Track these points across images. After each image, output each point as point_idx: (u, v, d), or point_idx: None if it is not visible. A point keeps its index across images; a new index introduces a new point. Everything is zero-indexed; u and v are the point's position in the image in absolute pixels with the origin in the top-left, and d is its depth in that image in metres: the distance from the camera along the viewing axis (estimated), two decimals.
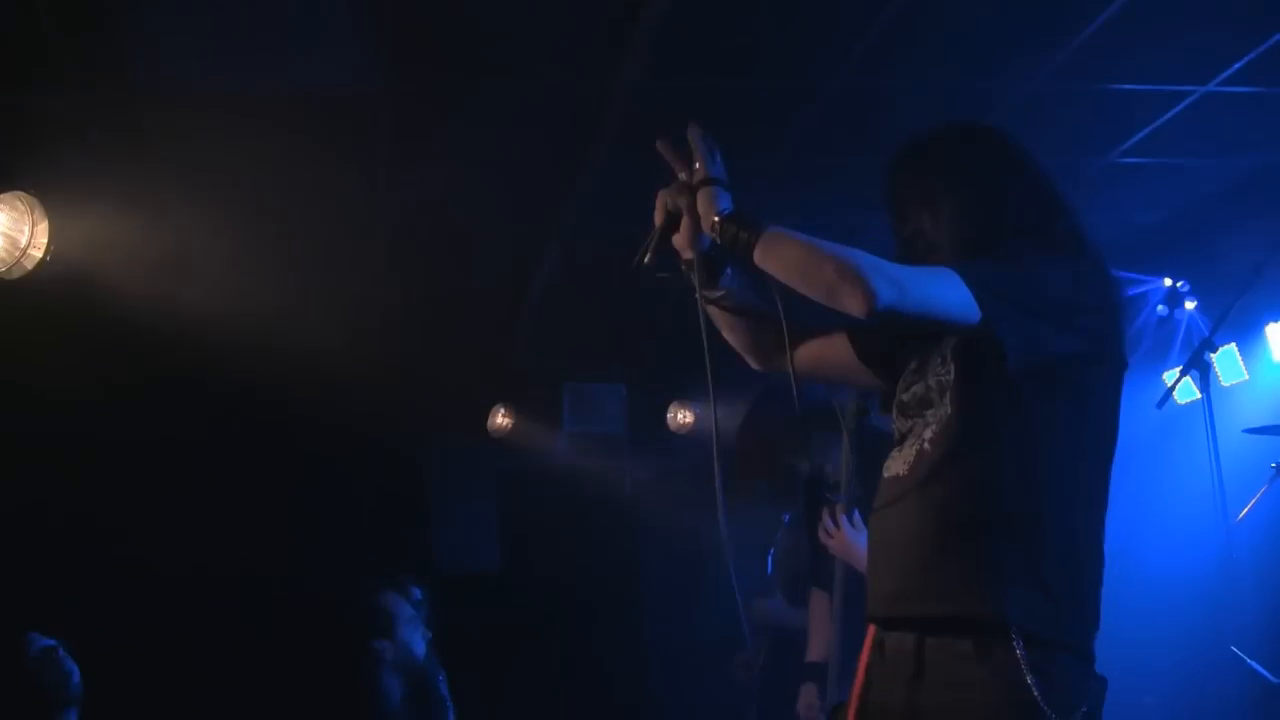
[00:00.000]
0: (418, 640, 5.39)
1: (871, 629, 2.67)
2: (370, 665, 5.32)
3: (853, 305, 2.30)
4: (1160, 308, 6.66)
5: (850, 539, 4.13)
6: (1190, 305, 6.53)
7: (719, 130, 4.98)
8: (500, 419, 8.95)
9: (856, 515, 4.16)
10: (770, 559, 6.07)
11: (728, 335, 2.85)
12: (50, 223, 4.67)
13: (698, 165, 2.60)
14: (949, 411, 2.55)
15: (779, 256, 2.44)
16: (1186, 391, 6.05)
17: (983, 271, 2.40)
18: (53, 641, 4.77)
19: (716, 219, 2.53)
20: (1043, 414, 2.50)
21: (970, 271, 2.39)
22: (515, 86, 4.80)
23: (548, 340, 8.24)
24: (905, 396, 2.69)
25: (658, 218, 2.67)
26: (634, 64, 4.57)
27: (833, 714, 2.77)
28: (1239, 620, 5.39)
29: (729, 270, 2.73)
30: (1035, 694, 2.38)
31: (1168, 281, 6.61)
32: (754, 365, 2.86)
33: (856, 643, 2.71)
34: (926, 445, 2.57)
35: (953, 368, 2.57)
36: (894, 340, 2.75)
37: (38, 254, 4.63)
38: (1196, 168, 6.03)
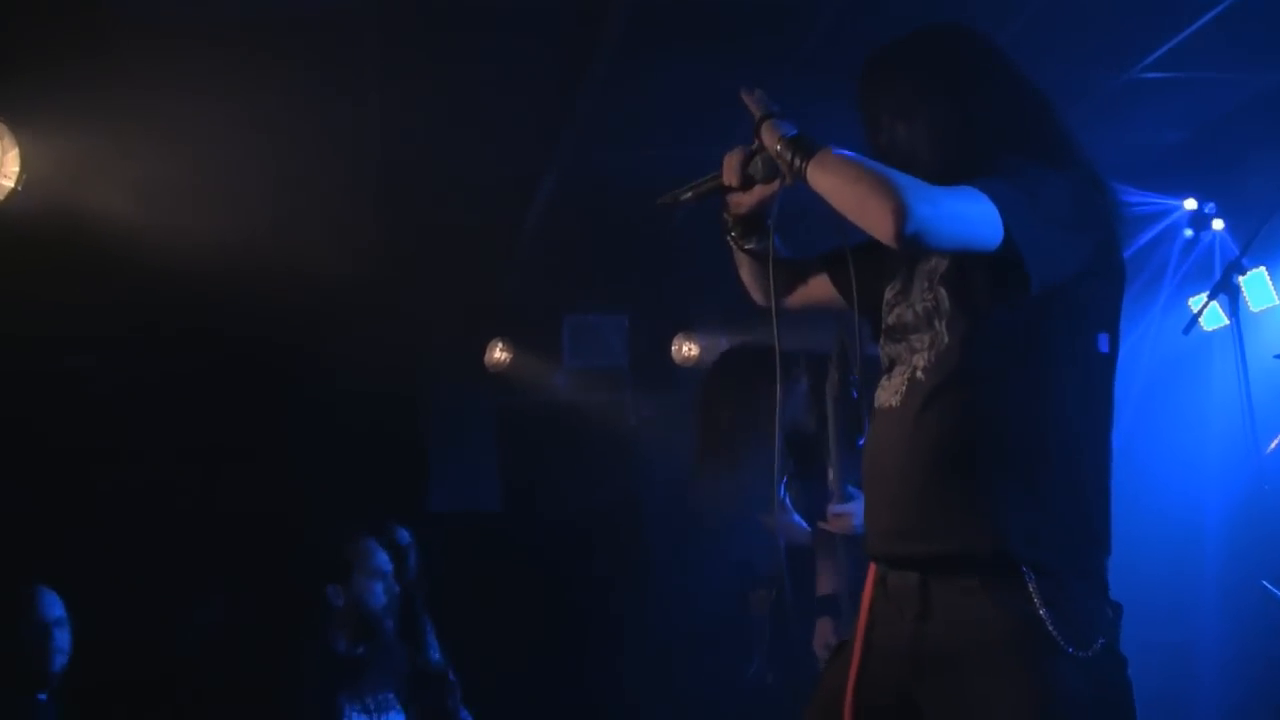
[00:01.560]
0: (377, 591, 5.39)
1: (872, 565, 2.70)
2: (318, 612, 5.37)
3: (881, 222, 2.32)
4: (1186, 231, 6.70)
5: (851, 517, 4.18)
6: (1218, 226, 6.54)
7: (728, 39, 4.92)
8: (498, 353, 8.93)
9: (850, 488, 4.20)
10: (783, 485, 6.13)
11: (745, 274, 2.97)
12: (21, 150, 4.63)
13: (755, 111, 2.68)
14: (945, 340, 2.56)
15: (824, 176, 2.48)
16: (1214, 317, 6.09)
17: (1000, 188, 2.40)
18: (59, 614, 4.82)
19: (780, 143, 2.58)
20: (1044, 335, 2.52)
21: (990, 188, 2.39)
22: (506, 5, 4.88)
23: (546, 271, 8.23)
24: (890, 320, 2.72)
25: (731, 178, 2.75)
26: None
27: (836, 651, 2.80)
28: (1270, 554, 5.40)
29: (775, 235, 2.85)
30: (1050, 628, 2.39)
31: (1192, 204, 6.63)
32: (757, 300, 2.96)
33: (864, 571, 2.73)
34: (920, 374, 2.59)
35: (944, 294, 2.59)
36: (869, 268, 2.78)
37: (8, 183, 4.60)
38: (1224, 83, 5.98)
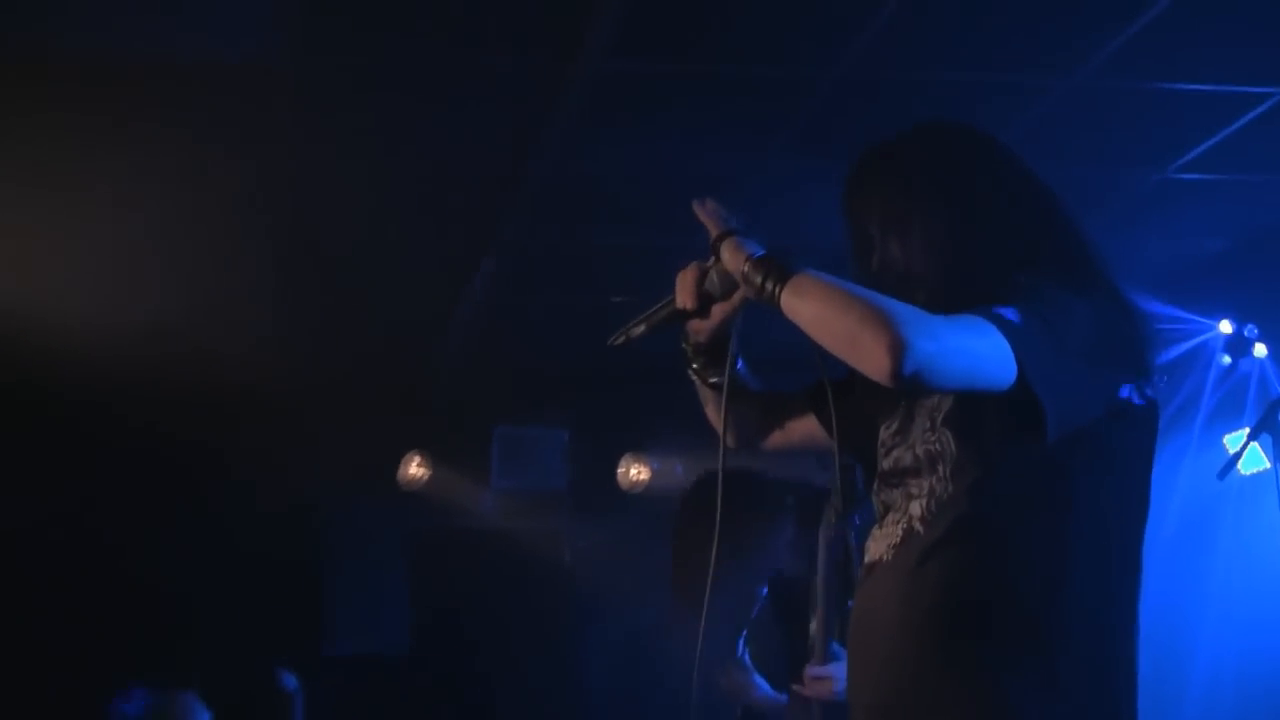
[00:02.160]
0: None
1: None
2: None
3: (876, 361, 2.27)
4: (1223, 357, 6.71)
5: (833, 682, 4.16)
6: (1260, 352, 6.55)
7: (695, 122, 4.90)
8: (414, 468, 8.88)
9: (835, 647, 4.19)
10: (742, 640, 6.13)
11: (711, 411, 2.95)
12: None
13: (712, 230, 2.66)
14: (947, 488, 2.55)
15: (803, 304, 2.44)
16: (1254, 459, 6.05)
17: (1011, 318, 2.38)
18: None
19: (746, 265, 2.54)
20: (1063, 486, 2.50)
21: (1000, 318, 2.37)
22: (451, 58, 4.83)
23: (476, 373, 8.22)
24: (886, 464, 2.71)
25: (685, 299, 2.73)
26: (599, 37, 4.63)
27: None
28: None
29: (739, 360, 2.85)
30: None
31: (1226, 327, 6.71)
32: (729, 443, 2.90)
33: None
34: (916, 525, 2.57)
35: (948, 437, 2.57)
36: (861, 403, 2.78)
37: None
38: (1270, 186, 6.09)
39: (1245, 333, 6.47)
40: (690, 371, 2.89)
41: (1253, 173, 5.91)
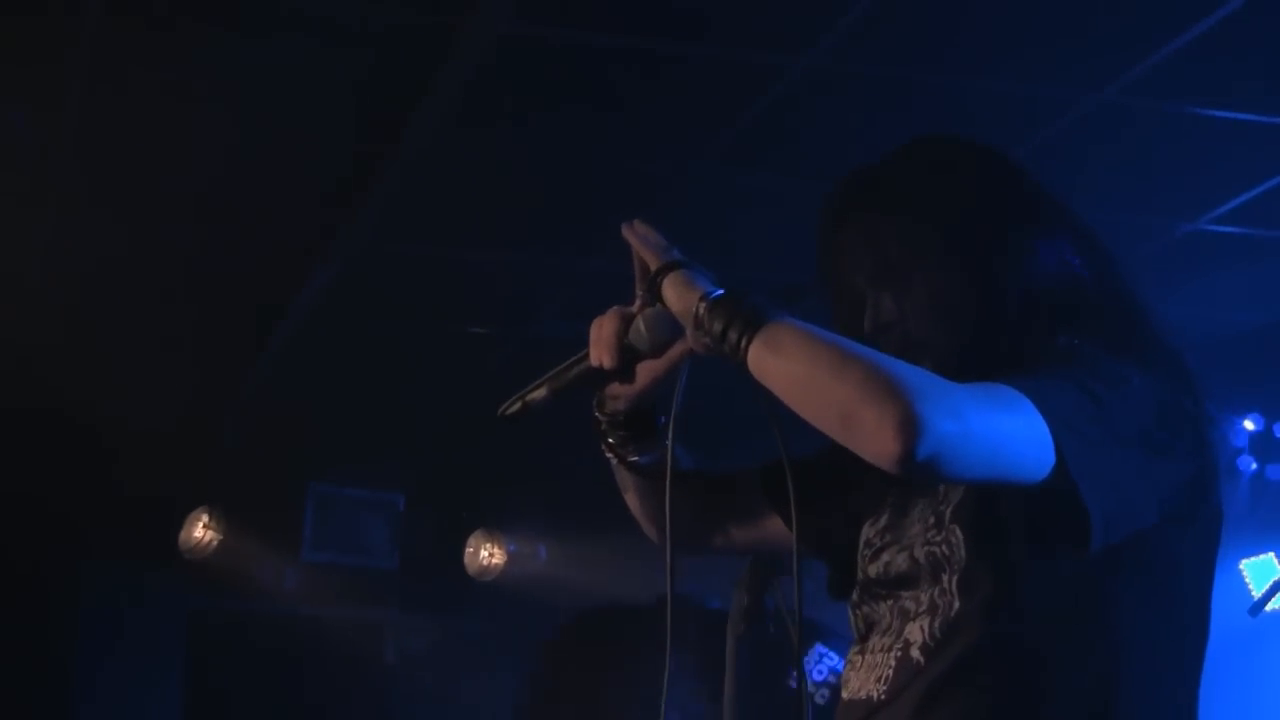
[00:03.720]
0: None
1: None
2: None
3: (879, 442, 2.20)
4: (1248, 460, 6.75)
5: None
6: None
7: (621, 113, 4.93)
8: (200, 531, 8.79)
9: None
10: None
11: (633, 499, 2.90)
12: None
13: (651, 263, 2.60)
14: (953, 605, 2.49)
15: (780, 362, 2.37)
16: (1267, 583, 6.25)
17: (1051, 393, 2.32)
18: None
19: (702, 307, 2.46)
20: (1107, 605, 2.47)
21: (1037, 392, 2.30)
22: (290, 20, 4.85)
23: (289, 414, 8.13)
24: (874, 570, 2.65)
25: (604, 356, 2.64)
26: None
27: None
28: None
29: (664, 424, 2.79)
30: None
31: (1249, 425, 6.75)
32: (651, 536, 2.93)
33: None
34: (916, 653, 2.51)
35: (958, 538, 2.51)
36: (840, 495, 2.75)
37: None
38: None
39: (1275, 430, 6.65)
40: (605, 447, 2.82)
41: None
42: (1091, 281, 2.58)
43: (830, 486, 2.72)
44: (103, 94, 5.19)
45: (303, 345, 7.32)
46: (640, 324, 2.59)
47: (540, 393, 2.69)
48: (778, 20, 4.80)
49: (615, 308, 2.63)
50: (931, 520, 2.55)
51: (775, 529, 2.88)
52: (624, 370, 2.64)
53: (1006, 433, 2.27)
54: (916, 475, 2.26)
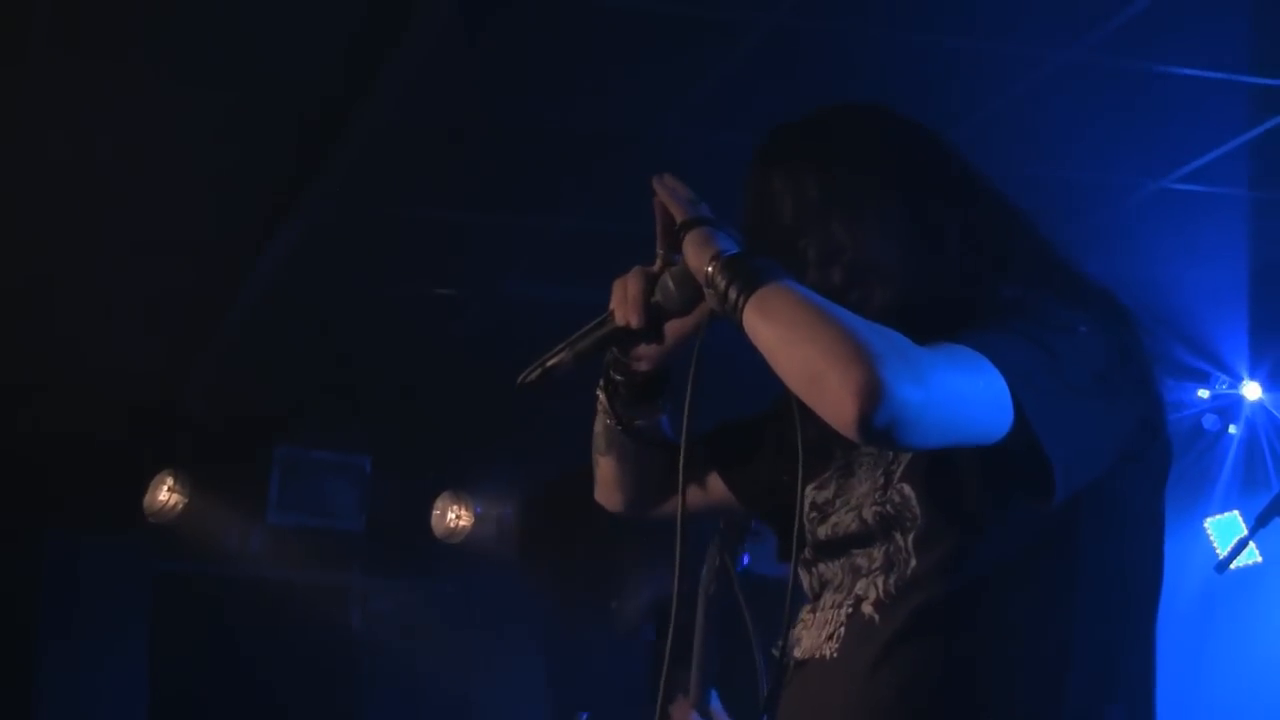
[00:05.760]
0: None
1: None
2: None
3: (838, 406, 2.21)
4: (1208, 417, 6.79)
5: None
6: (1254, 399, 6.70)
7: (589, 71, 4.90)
8: (164, 494, 8.71)
9: (715, 700, 4.07)
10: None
11: (610, 464, 2.94)
12: None
13: (677, 216, 2.57)
14: (909, 562, 2.49)
15: (765, 324, 2.37)
16: (1228, 543, 6.37)
17: (1013, 350, 2.34)
18: None
19: (711, 265, 2.45)
20: (1063, 555, 2.48)
21: (997, 351, 2.32)
22: None
23: (255, 376, 8.11)
24: (823, 532, 2.65)
25: (630, 315, 2.63)
26: None
27: None
28: None
29: (664, 398, 2.81)
30: None
31: (1256, 390, 6.83)
32: (610, 505, 2.98)
33: None
34: (869, 610, 2.51)
35: (909, 494, 2.52)
36: (780, 457, 2.73)
37: None
38: None
39: (1243, 391, 6.77)
40: (608, 410, 2.83)
41: (1271, 190, 6.08)
42: (1021, 232, 2.63)
43: (771, 448, 2.75)
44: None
45: (267, 307, 7.29)
46: (669, 280, 2.58)
47: (563, 357, 2.66)
48: None
49: (637, 267, 2.63)
50: (881, 480, 2.56)
51: (720, 493, 2.92)
52: (651, 330, 2.63)
53: (968, 398, 2.29)
54: (874, 441, 2.28)
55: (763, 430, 2.78)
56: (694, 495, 2.91)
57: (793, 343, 2.30)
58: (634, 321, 2.61)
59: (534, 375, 2.67)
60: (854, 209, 2.57)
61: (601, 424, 2.87)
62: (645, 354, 2.71)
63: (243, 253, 6.84)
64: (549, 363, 2.66)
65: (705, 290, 2.49)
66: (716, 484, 2.95)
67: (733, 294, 2.39)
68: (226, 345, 7.75)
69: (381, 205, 6.46)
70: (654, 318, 2.62)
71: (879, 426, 2.18)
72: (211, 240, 6.79)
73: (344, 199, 6.30)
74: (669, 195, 2.58)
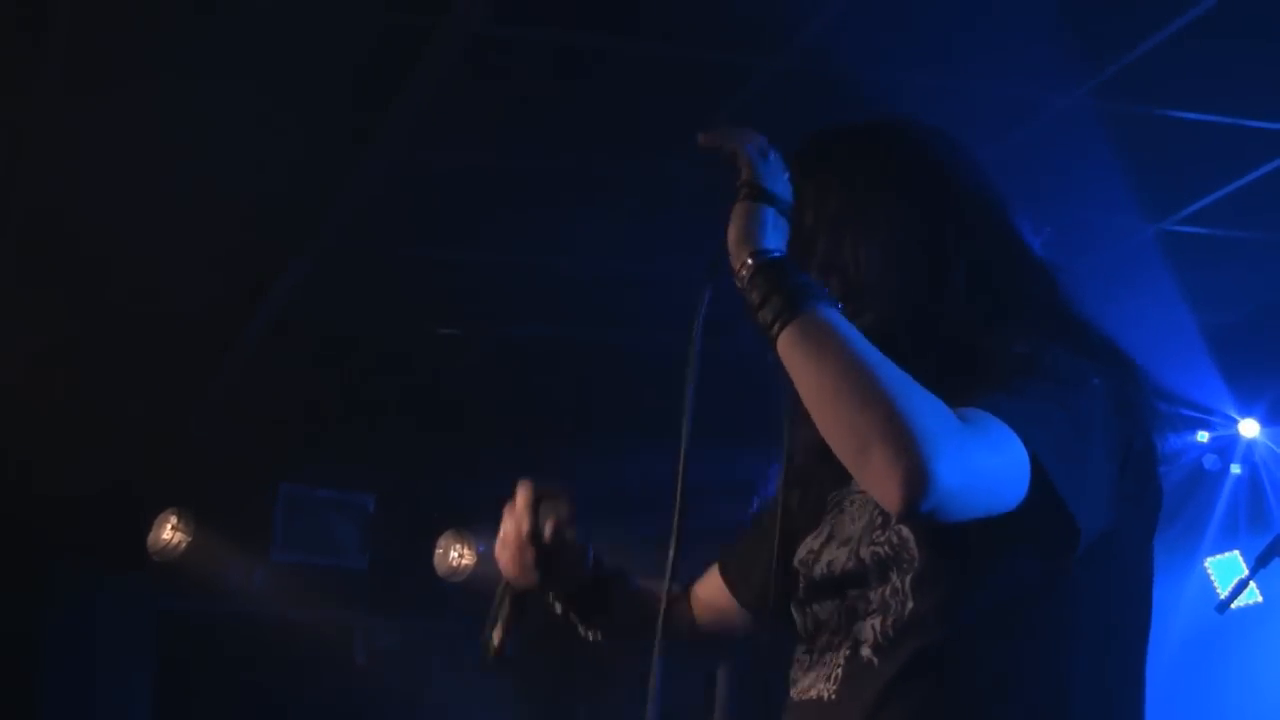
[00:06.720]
0: None
1: None
2: None
3: (884, 488, 2.19)
4: (1209, 457, 6.82)
5: None
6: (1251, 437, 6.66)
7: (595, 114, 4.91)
8: (169, 533, 8.72)
9: None
10: None
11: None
12: None
13: (743, 172, 2.47)
14: (906, 604, 2.48)
15: (808, 364, 2.31)
16: (1246, 593, 6.17)
17: (1034, 418, 2.31)
18: None
19: (749, 261, 2.38)
20: (1065, 599, 2.47)
21: (1021, 421, 2.29)
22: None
23: (259, 413, 8.09)
24: (818, 572, 2.64)
25: (518, 573, 2.74)
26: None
27: None
28: None
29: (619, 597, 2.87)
30: None
31: (1254, 428, 6.81)
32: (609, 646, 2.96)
33: None
34: (867, 653, 2.50)
35: (909, 536, 2.49)
36: (780, 546, 2.70)
37: None
38: None
39: (1243, 431, 6.75)
40: (582, 632, 2.90)
41: (1270, 231, 6.11)
42: (1032, 275, 2.57)
43: (772, 544, 2.70)
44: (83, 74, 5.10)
45: (273, 345, 7.29)
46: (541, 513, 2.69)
47: (499, 636, 2.74)
48: (750, 21, 4.81)
49: (500, 534, 2.74)
50: (879, 520, 2.54)
51: (728, 601, 2.94)
52: (550, 579, 2.74)
53: (1000, 477, 2.26)
54: (915, 522, 2.31)
55: (761, 525, 2.79)
56: (735, 625, 2.97)
57: (839, 399, 2.27)
58: (527, 581, 2.71)
59: (490, 658, 2.73)
60: (867, 230, 2.55)
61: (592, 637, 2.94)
62: (566, 576, 2.79)
63: (248, 292, 6.85)
64: (494, 645, 2.74)
65: (735, 279, 2.40)
66: (721, 596, 2.97)
67: (767, 314, 2.33)
68: (231, 384, 7.76)
69: (386, 247, 6.47)
70: (546, 567, 2.71)
71: (921, 513, 2.17)
72: (216, 279, 6.76)
73: (349, 241, 6.33)
74: (741, 144, 2.50)
